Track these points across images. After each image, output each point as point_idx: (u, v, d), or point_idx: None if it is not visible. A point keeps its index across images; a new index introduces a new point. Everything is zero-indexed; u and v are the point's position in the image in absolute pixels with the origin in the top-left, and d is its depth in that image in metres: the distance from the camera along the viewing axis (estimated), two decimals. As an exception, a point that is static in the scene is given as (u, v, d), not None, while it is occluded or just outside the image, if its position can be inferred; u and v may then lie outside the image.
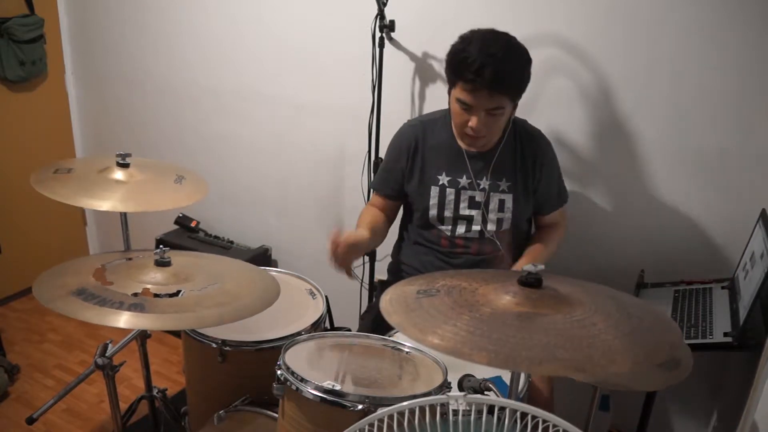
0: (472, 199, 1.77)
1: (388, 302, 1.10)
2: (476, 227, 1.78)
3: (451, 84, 1.65)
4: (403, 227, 1.96)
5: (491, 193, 1.76)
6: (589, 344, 0.93)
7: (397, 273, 1.94)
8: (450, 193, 1.77)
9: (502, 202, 1.76)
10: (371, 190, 2.08)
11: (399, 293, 1.13)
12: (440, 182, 1.77)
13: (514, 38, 1.62)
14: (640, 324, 1.03)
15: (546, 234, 1.88)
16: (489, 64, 1.52)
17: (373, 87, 2.17)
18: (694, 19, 1.76)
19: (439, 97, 2.16)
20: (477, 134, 1.65)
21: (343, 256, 1.59)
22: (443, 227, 1.80)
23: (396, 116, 2.14)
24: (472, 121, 1.62)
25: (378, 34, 2.11)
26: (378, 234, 1.81)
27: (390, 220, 1.92)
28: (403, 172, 1.82)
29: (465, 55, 1.56)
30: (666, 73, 1.83)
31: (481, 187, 1.76)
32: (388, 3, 2.06)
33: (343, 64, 2.33)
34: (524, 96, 1.69)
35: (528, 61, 1.62)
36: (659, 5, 1.79)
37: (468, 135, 1.67)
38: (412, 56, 2.19)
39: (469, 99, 1.59)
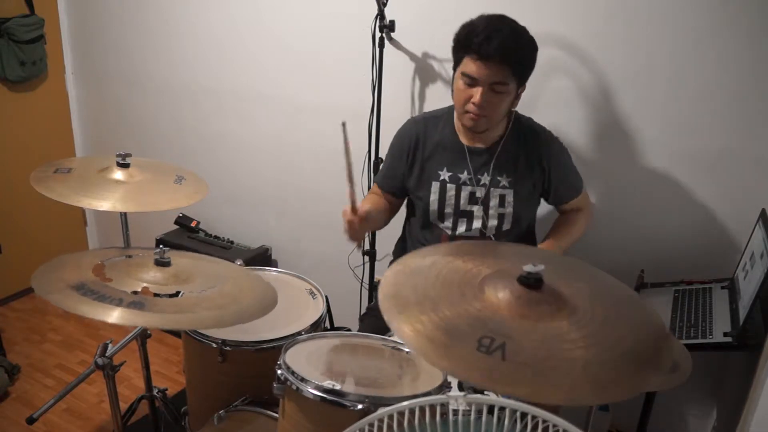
0: (472, 194, 1.76)
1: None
2: (477, 225, 1.78)
3: (457, 62, 1.65)
4: (405, 226, 1.96)
5: (491, 189, 1.76)
6: (554, 366, 0.91)
7: None
8: (450, 188, 1.77)
9: (502, 197, 1.76)
10: (372, 185, 2.09)
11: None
12: (441, 177, 1.78)
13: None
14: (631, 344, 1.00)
15: (570, 215, 1.87)
16: (496, 36, 1.55)
17: (373, 87, 2.18)
18: (693, 19, 1.76)
19: (439, 97, 2.16)
20: (479, 111, 1.63)
21: (359, 229, 1.62)
22: (444, 224, 1.80)
23: (396, 116, 2.14)
24: (475, 96, 1.60)
25: (378, 34, 2.11)
26: (380, 210, 1.82)
27: (391, 209, 1.92)
28: (403, 169, 1.83)
29: (472, 28, 1.59)
30: (666, 73, 1.83)
31: (482, 182, 1.76)
32: (388, 3, 2.06)
33: (343, 65, 2.33)
34: (525, 96, 1.69)
35: (534, 46, 1.63)
36: (659, 5, 1.79)
37: (469, 114, 1.65)
38: (412, 56, 2.20)
39: (474, 70, 1.58)
